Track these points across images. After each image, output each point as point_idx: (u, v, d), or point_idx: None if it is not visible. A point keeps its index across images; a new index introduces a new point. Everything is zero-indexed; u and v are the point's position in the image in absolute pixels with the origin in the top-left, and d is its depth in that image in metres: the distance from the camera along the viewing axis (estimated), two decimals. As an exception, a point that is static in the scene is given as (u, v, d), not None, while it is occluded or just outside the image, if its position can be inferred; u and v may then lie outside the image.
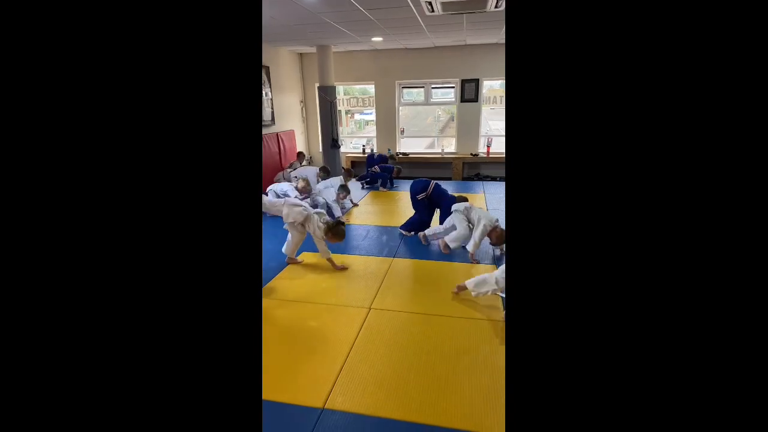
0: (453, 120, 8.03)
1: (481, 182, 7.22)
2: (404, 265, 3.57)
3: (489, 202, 5.61)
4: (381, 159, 7.06)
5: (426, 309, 2.80)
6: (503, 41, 6.77)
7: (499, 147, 7.76)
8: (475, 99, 7.53)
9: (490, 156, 7.63)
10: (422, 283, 3.24)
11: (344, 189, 5.25)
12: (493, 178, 7.66)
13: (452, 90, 7.70)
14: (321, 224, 3.35)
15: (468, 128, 7.71)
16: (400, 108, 7.96)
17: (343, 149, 7.71)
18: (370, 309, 2.81)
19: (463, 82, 7.47)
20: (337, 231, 3.32)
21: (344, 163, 7.70)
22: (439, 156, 7.76)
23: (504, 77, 7.33)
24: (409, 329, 2.55)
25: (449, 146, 8.00)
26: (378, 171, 6.72)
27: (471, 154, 7.71)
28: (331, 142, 7.06)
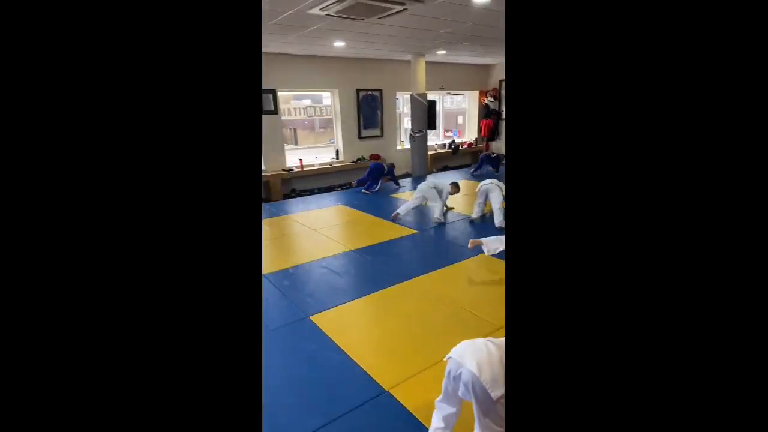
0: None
1: (311, 196, 6.80)
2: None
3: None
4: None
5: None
6: (303, 52, 6.52)
7: (309, 159, 7.53)
8: (275, 111, 6.99)
9: (304, 169, 7.31)
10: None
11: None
12: (312, 191, 7.39)
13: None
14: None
15: (271, 144, 7.07)
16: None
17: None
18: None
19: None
20: None
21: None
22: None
23: (300, 89, 7.15)
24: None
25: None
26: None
27: (283, 170, 7.16)
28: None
